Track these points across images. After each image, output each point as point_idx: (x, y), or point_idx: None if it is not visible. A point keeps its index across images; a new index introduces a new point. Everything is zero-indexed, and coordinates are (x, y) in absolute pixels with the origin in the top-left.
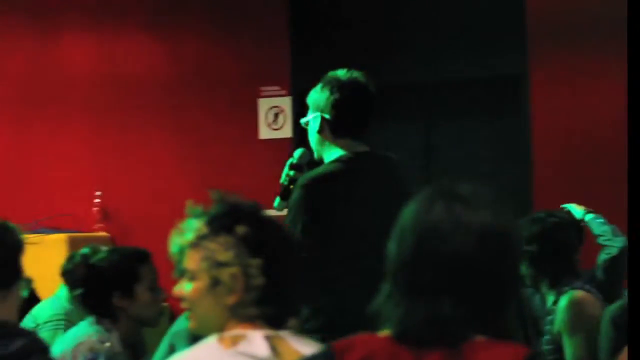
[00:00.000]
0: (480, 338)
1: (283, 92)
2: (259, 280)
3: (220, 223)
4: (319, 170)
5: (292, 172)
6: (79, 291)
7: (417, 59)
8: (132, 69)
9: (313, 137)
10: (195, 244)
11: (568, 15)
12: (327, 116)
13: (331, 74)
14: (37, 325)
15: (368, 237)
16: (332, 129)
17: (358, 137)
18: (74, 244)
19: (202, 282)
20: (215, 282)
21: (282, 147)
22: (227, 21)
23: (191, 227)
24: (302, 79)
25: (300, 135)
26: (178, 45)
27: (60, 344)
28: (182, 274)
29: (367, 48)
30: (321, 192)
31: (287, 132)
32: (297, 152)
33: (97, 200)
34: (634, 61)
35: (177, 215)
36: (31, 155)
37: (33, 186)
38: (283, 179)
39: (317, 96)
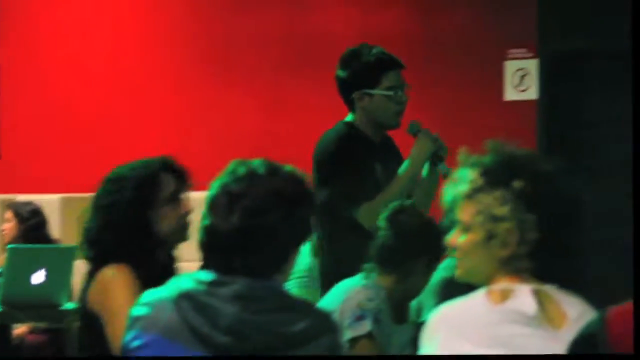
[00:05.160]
0: None
1: (530, 54)
2: (532, 235)
3: (497, 176)
4: None
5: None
6: None
7: None
8: (383, 32)
9: None
10: (470, 196)
11: None
12: None
13: None
14: None
15: None
16: None
17: None
18: None
19: (476, 235)
20: (490, 236)
21: (527, 109)
22: None
23: (466, 178)
24: (549, 42)
25: (547, 97)
26: (430, 11)
27: (328, 298)
28: (454, 223)
29: (616, 8)
30: None
31: (532, 94)
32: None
33: None
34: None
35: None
36: (282, 127)
37: (281, 156)
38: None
39: None
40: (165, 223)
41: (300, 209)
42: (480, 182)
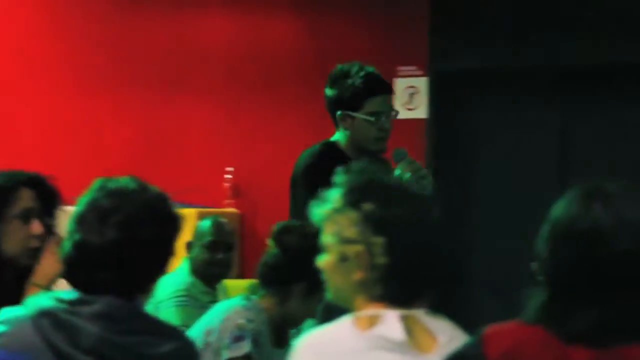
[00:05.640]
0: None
1: (420, 72)
2: (382, 260)
3: (352, 197)
4: None
5: None
6: None
7: (558, 41)
8: (271, 47)
9: None
10: (329, 217)
11: None
12: None
13: None
14: (159, 302)
15: None
16: None
17: None
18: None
19: (332, 257)
20: (343, 258)
21: (416, 128)
22: (367, 0)
23: (331, 198)
24: (440, 60)
25: (436, 116)
26: (317, 23)
27: (208, 317)
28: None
29: (509, 29)
30: None
31: (422, 112)
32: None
33: (228, 176)
34: None
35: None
36: (168, 128)
37: (167, 159)
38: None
39: None
40: (10, 240)
41: (170, 227)
42: (339, 202)
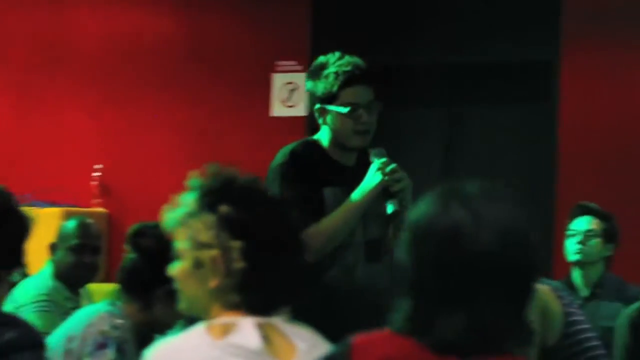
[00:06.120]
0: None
1: (300, 67)
2: (239, 265)
3: (208, 200)
4: None
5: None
6: None
7: (441, 39)
8: (143, 39)
9: None
10: (183, 221)
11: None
12: None
13: None
14: (19, 307)
15: None
16: None
17: None
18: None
19: (186, 263)
20: (197, 264)
21: (295, 126)
22: None
23: (184, 202)
24: (321, 55)
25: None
26: (194, 14)
27: (70, 323)
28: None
29: (390, 27)
30: None
31: (301, 110)
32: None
33: (96, 174)
34: None
35: (178, 194)
36: (34, 125)
37: (32, 157)
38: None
39: None
40: None
41: (5, 226)
42: (194, 206)
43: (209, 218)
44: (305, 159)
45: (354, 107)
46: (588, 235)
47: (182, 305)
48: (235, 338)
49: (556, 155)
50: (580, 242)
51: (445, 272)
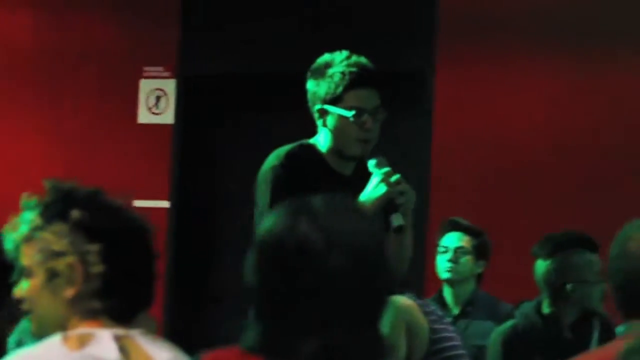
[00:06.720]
0: None
1: (167, 74)
2: (98, 268)
3: (54, 210)
4: None
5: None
6: None
7: (307, 48)
8: (6, 43)
9: None
10: (29, 238)
11: (482, 10)
12: None
13: None
14: None
15: None
16: None
17: None
18: None
19: (39, 277)
20: (52, 275)
21: (161, 134)
22: None
23: (25, 220)
24: (190, 63)
25: (182, 122)
26: (58, 17)
27: None
28: (21, 273)
29: (258, 35)
30: None
31: (168, 117)
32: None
33: None
34: None
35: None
36: None
37: None
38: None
39: None
40: None
41: None
42: (38, 221)
43: (60, 227)
44: (302, 162)
45: (359, 111)
46: (459, 252)
47: (35, 328)
48: (92, 349)
49: (428, 168)
50: (450, 260)
51: (295, 292)
